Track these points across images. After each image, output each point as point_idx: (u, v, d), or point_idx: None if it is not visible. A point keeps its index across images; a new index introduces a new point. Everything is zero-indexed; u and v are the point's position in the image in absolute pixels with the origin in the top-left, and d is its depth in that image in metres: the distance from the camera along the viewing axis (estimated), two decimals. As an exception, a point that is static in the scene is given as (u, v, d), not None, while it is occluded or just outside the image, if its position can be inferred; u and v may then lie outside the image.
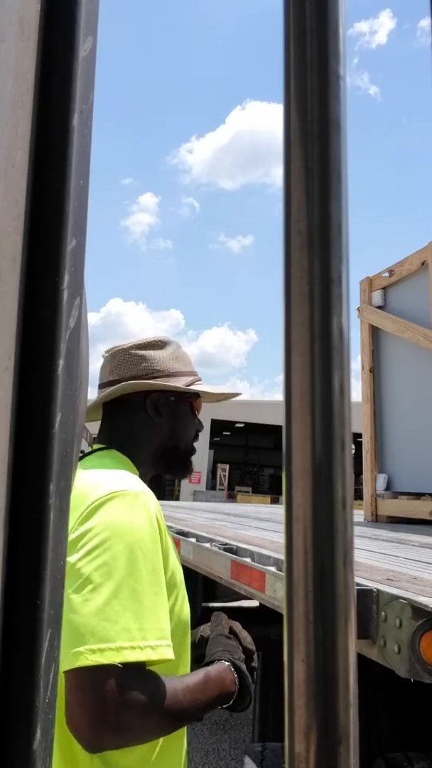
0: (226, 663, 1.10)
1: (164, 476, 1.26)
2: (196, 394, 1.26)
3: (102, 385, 1.29)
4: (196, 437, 1.29)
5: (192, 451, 1.28)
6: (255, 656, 1.24)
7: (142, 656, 0.85)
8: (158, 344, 1.29)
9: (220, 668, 1.07)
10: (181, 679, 0.97)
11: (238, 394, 1.42)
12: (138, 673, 0.86)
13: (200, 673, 1.01)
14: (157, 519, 1.00)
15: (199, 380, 1.29)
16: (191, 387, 1.24)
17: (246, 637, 1.28)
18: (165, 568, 0.99)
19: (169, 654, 0.88)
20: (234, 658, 1.13)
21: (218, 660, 1.11)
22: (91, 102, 0.29)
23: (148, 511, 0.98)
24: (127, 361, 1.27)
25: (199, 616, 3.86)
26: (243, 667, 1.11)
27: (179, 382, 1.23)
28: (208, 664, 1.10)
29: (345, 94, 0.29)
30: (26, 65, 0.26)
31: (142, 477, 1.16)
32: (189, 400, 1.25)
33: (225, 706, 1.06)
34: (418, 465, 3.68)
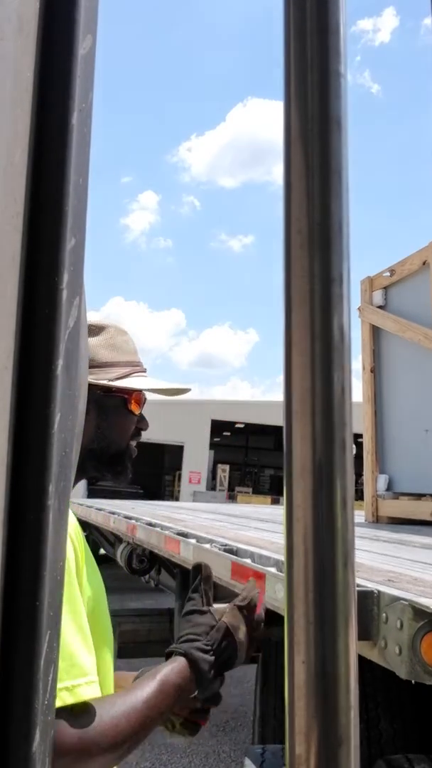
0: (182, 657, 0.96)
1: (99, 479, 1.14)
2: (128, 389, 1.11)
3: None
4: (135, 436, 1.14)
5: (126, 452, 1.12)
6: (243, 629, 1.04)
7: (57, 702, 0.74)
8: (90, 330, 1.13)
9: (175, 668, 0.94)
10: (123, 698, 0.85)
11: (184, 390, 1.26)
12: (64, 716, 0.74)
13: (149, 684, 0.88)
14: (71, 539, 0.86)
15: (140, 372, 1.15)
16: (121, 381, 1.09)
17: (229, 609, 1.08)
18: (81, 592, 0.87)
19: (90, 693, 0.77)
20: (194, 647, 0.97)
21: (175, 653, 0.97)
22: (90, 100, 0.29)
23: None
24: None
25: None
26: (199, 656, 0.95)
27: (109, 374, 1.10)
28: (169, 654, 0.98)
29: (346, 92, 0.29)
30: (25, 63, 0.26)
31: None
32: (122, 395, 1.10)
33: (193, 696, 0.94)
34: (419, 466, 3.68)
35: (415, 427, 3.73)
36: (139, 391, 1.13)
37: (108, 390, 1.09)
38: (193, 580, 1.11)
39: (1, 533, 0.25)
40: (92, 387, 1.07)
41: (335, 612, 0.28)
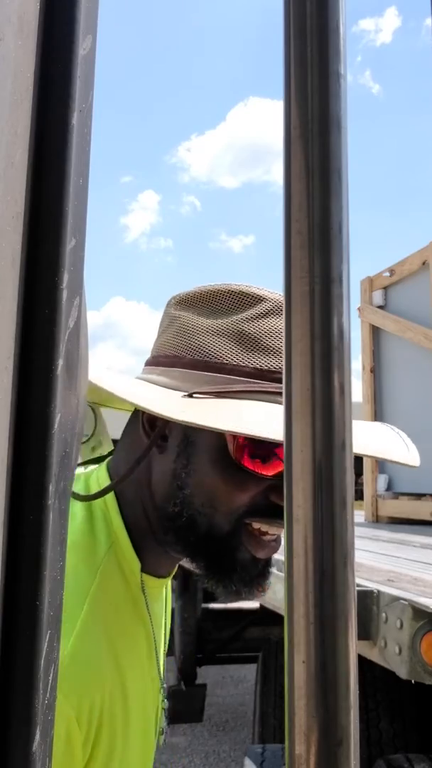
0: None
1: (193, 571, 0.64)
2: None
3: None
4: (258, 515, 0.60)
5: (227, 541, 0.60)
6: None
7: None
8: (230, 300, 0.62)
9: None
10: None
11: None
12: None
13: None
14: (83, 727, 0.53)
15: (267, 390, 0.58)
16: (211, 401, 0.56)
17: None
18: None
19: None
20: None
21: None
22: (90, 100, 0.29)
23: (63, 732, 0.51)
24: (164, 327, 0.66)
25: (199, 617, 3.88)
26: None
27: (203, 385, 0.58)
28: None
29: (346, 92, 0.29)
30: (25, 64, 0.26)
31: (146, 553, 0.60)
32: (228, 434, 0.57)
33: None
34: (419, 465, 3.68)
35: (415, 427, 3.73)
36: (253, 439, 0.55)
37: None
38: None
39: (1, 533, 0.25)
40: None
41: (335, 612, 0.28)
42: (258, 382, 0.58)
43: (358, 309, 4.16)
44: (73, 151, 0.28)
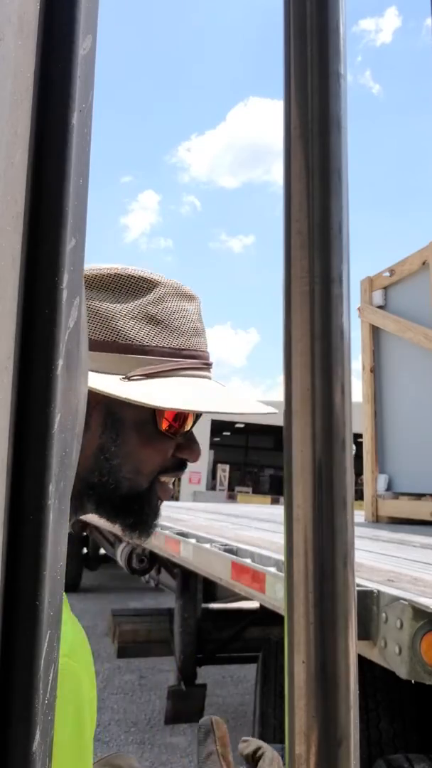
0: None
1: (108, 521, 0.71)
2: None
3: None
4: (170, 470, 0.70)
5: (146, 495, 0.69)
6: None
7: None
8: (124, 285, 0.69)
9: None
10: None
11: (268, 412, 0.72)
12: None
13: None
14: (80, 684, 0.52)
15: (194, 367, 0.70)
16: (146, 381, 0.66)
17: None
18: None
19: None
20: None
21: None
22: (90, 100, 0.29)
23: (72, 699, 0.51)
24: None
25: (199, 617, 3.87)
26: None
27: (141, 368, 0.66)
28: None
29: (345, 92, 0.29)
30: (25, 64, 0.26)
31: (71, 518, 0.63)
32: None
33: None
34: (419, 465, 3.68)
35: (415, 427, 3.73)
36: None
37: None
38: (204, 739, 0.79)
39: (1, 533, 0.25)
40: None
41: (335, 612, 0.28)
42: (176, 360, 0.69)
43: (358, 309, 4.16)
44: (73, 151, 0.28)
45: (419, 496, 3.66)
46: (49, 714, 0.27)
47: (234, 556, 2.07)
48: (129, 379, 0.66)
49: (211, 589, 3.75)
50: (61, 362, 0.27)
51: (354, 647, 0.28)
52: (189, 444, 0.72)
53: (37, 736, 0.25)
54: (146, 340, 0.68)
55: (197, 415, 0.70)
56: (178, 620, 3.54)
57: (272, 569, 1.75)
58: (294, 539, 0.28)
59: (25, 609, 0.26)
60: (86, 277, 0.68)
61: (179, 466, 0.72)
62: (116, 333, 0.68)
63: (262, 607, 2.99)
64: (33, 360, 0.26)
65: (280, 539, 2.36)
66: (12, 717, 0.25)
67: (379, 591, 1.26)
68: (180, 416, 0.69)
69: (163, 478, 0.71)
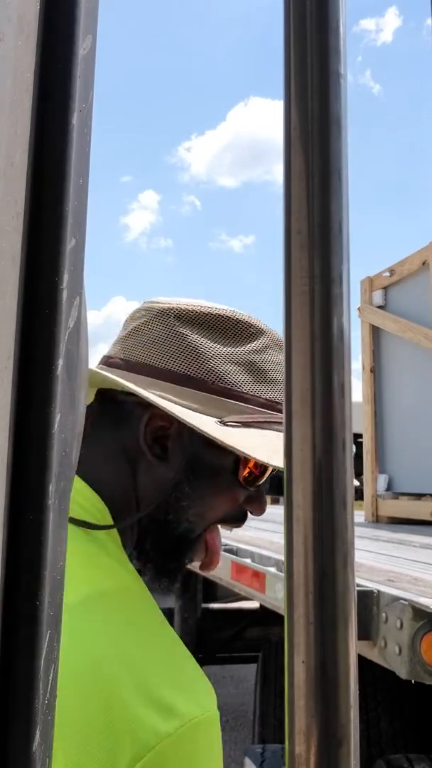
0: None
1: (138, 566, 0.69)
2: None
3: (108, 359, 0.70)
4: (229, 520, 0.69)
5: (193, 543, 0.67)
6: None
7: None
8: (230, 329, 0.69)
9: None
10: None
11: None
12: None
13: None
14: None
15: (276, 421, 0.67)
16: (242, 431, 0.64)
17: None
18: None
19: None
20: None
21: None
22: (90, 101, 0.29)
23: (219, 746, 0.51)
24: (163, 339, 0.67)
25: (199, 617, 3.87)
26: None
27: (228, 414, 0.65)
28: None
29: (346, 92, 0.29)
30: (25, 64, 0.26)
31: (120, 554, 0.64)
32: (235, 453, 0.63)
33: None
34: (418, 465, 3.68)
35: (415, 427, 3.73)
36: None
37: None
38: None
39: (1, 533, 0.25)
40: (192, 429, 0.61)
41: (335, 612, 0.28)
42: (270, 413, 0.67)
43: (358, 309, 4.16)
44: (73, 151, 0.28)
45: (419, 496, 3.66)
46: (49, 714, 0.27)
47: (234, 556, 2.07)
48: (224, 423, 0.63)
49: (211, 589, 3.75)
50: (61, 362, 0.27)
51: (354, 647, 0.28)
52: (258, 496, 0.69)
53: (37, 736, 0.25)
54: (244, 387, 0.67)
55: (272, 470, 0.68)
56: (178, 620, 3.54)
57: (272, 569, 1.75)
58: (294, 539, 0.28)
59: (25, 609, 0.26)
60: (192, 313, 0.69)
61: (241, 518, 0.70)
62: (213, 374, 0.66)
63: (262, 607, 3.00)
64: (33, 360, 0.26)
65: (280, 539, 2.36)
66: (12, 717, 0.25)
67: (379, 591, 1.26)
68: (261, 468, 0.67)
69: (220, 526, 0.69)
